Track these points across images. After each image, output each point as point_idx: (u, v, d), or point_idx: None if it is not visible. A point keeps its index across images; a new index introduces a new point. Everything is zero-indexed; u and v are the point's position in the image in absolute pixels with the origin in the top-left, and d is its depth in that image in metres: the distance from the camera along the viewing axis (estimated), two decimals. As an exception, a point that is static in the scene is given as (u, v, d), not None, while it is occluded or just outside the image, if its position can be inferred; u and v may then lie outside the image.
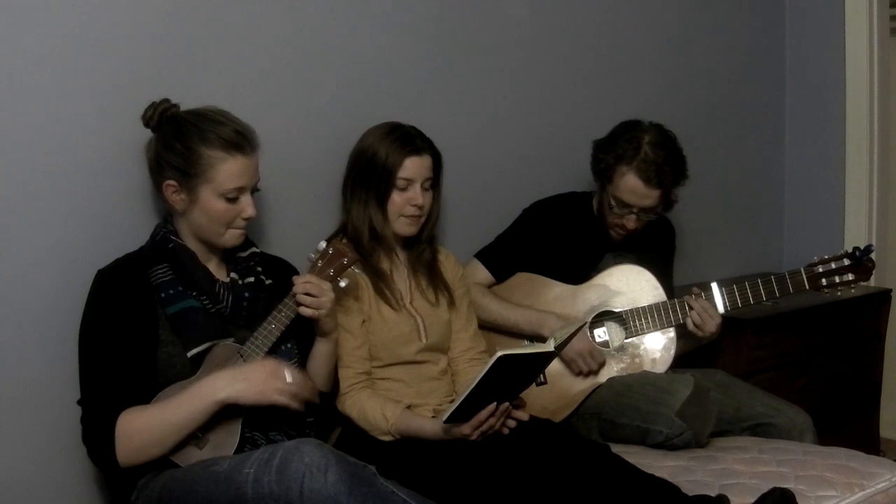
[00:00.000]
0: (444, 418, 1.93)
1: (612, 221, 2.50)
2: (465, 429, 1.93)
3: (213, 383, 1.78)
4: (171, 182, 1.87)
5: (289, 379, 1.81)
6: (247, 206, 1.89)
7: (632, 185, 2.41)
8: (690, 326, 2.42)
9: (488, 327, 2.46)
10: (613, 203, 2.46)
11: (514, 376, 1.95)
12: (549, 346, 1.88)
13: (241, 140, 1.86)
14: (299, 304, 1.89)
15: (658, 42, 3.13)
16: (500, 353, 1.81)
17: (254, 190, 1.92)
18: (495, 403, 1.92)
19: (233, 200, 1.87)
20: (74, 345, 1.85)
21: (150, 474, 1.79)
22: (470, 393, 1.86)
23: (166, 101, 1.91)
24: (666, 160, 2.41)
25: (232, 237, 1.92)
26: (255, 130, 1.91)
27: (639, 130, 2.45)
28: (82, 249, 1.95)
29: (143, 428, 1.76)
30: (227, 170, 1.84)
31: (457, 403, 1.89)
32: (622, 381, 2.41)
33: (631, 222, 2.47)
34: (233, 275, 1.96)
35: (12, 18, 1.85)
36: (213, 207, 1.87)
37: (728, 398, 2.44)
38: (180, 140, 1.86)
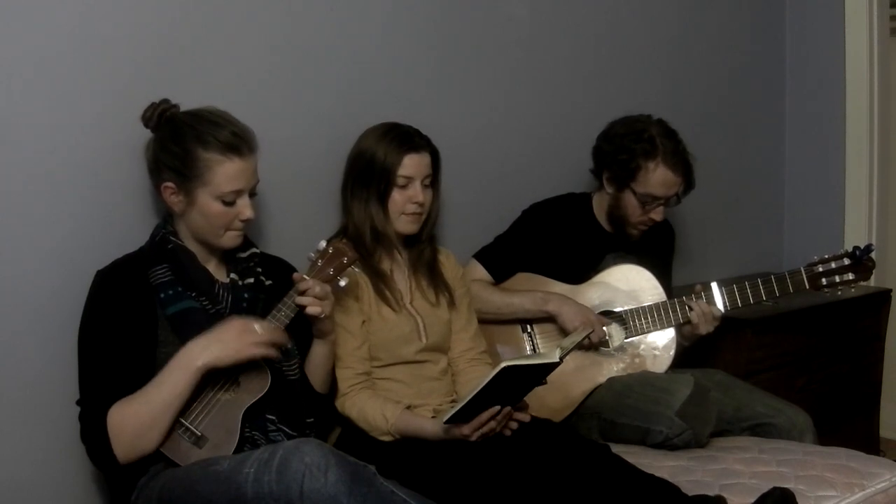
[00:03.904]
0: (444, 419, 1.93)
1: (638, 220, 2.51)
2: (465, 429, 1.93)
3: (190, 352, 1.78)
4: (169, 184, 1.87)
5: (259, 330, 1.81)
6: (244, 208, 1.89)
7: (662, 178, 2.45)
8: (694, 320, 2.43)
9: (490, 320, 2.46)
10: (643, 200, 2.47)
11: (516, 384, 1.95)
12: (554, 357, 1.87)
13: (238, 142, 1.86)
14: (302, 306, 1.88)
15: (658, 42, 3.13)
16: (503, 365, 1.81)
17: (252, 193, 1.91)
18: (497, 406, 1.92)
19: (230, 203, 1.87)
20: (74, 345, 1.85)
21: (149, 474, 1.79)
22: (471, 399, 1.86)
23: (166, 101, 1.91)
24: (681, 145, 2.48)
25: (230, 238, 1.92)
26: (253, 132, 1.90)
27: (641, 124, 2.49)
28: (82, 250, 1.95)
29: (132, 413, 1.75)
30: (223, 173, 1.84)
31: (457, 408, 1.89)
32: (622, 381, 2.41)
33: (659, 214, 2.50)
34: (232, 275, 1.96)
35: (12, 19, 1.85)
36: (211, 210, 1.86)
37: (728, 398, 2.44)
38: (177, 142, 1.85)
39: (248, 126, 1.90)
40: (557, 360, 1.87)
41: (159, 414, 1.76)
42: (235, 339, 1.79)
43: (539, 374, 1.94)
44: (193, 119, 1.88)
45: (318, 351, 1.98)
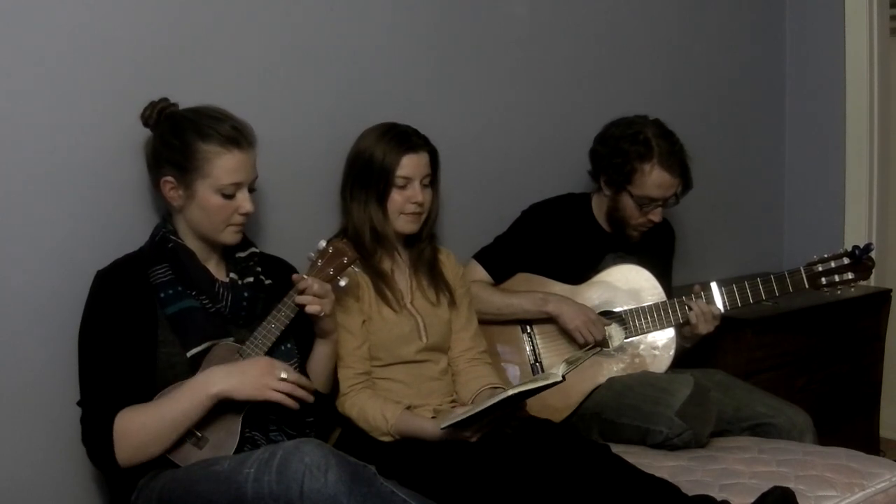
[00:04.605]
0: (442, 426, 1.94)
1: (637, 222, 2.51)
2: (466, 431, 1.93)
3: (209, 377, 1.78)
4: (169, 178, 1.87)
5: (284, 376, 1.81)
6: (244, 201, 1.89)
7: (659, 181, 2.44)
8: (693, 319, 2.43)
9: (490, 320, 2.46)
10: (641, 203, 2.46)
11: (518, 400, 1.96)
12: (557, 377, 1.88)
13: (237, 135, 1.86)
14: (301, 305, 1.88)
15: (658, 42, 3.13)
16: (511, 392, 1.84)
17: (251, 188, 1.92)
18: (498, 412, 1.93)
19: (230, 196, 1.87)
20: (74, 345, 1.85)
21: (149, 474, 1.79)
22: (471, 416, 1.88)
23: (165, 100, 1.91)
24: (677, 146, 2.47)
25: (230, 234, 1.92)
26: (252, 127, 1.91)
27: (638, 126, 2.48)
28: (82, 250, 1.95)
29: (141, 425, 1.75)
30: (223, 165, 1.84)
31: (456, 419, 1.91)
32: (622, 381, 2.41)
33: (658, 215, 2.50)
34: (232, 275, 1.96)
35: (13, 19, 1.85)
36: (210, 203, 1.87)
37: (728, 398, 2.44)
38: (177, 135, 1.86)
39: (246, 121, 1.91)
40: (560, 378, 1.88)
41: (167, 430, 1.76)
42: (258, 377, 1.79)
43: (542, 390, 1.95)
44: (193, 114, 1.89)
45: (321, 350, 1.99)
